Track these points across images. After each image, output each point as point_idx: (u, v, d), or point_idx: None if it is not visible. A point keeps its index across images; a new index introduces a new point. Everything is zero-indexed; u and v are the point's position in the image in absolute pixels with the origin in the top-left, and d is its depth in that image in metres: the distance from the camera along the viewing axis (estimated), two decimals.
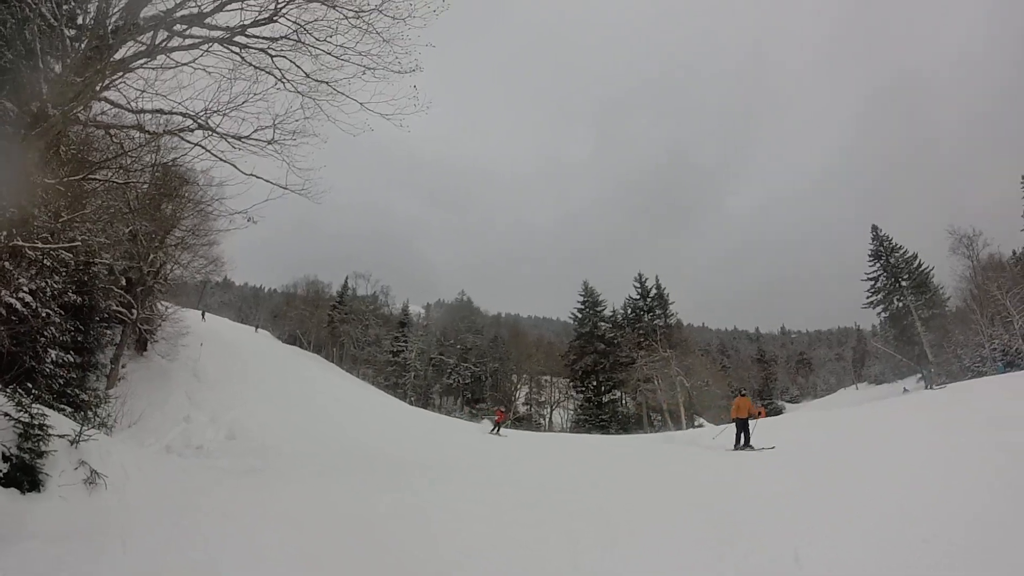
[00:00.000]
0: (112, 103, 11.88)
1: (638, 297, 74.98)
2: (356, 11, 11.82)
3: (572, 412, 70.66)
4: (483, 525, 10.42)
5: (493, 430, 29.77)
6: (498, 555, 8.93)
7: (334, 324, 69.50)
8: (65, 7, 11.27)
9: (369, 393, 45.80)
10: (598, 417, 65.72)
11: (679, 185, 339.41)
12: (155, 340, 28.81)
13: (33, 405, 9.50)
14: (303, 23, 11.90)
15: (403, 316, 74.94)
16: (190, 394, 23.78)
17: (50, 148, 11.05)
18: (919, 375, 58.09)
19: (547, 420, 70.85)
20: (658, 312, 73.60)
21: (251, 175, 12.38)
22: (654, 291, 74.70)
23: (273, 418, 22.72)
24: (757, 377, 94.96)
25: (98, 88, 11.00)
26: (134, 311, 25.80)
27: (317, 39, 12.04)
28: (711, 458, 17.65)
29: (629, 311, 75.02)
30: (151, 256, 26.84)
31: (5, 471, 8.40)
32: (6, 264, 13.58)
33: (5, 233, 9.59)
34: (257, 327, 56.09)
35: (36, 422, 9.13)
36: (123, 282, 25.86)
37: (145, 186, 21.23)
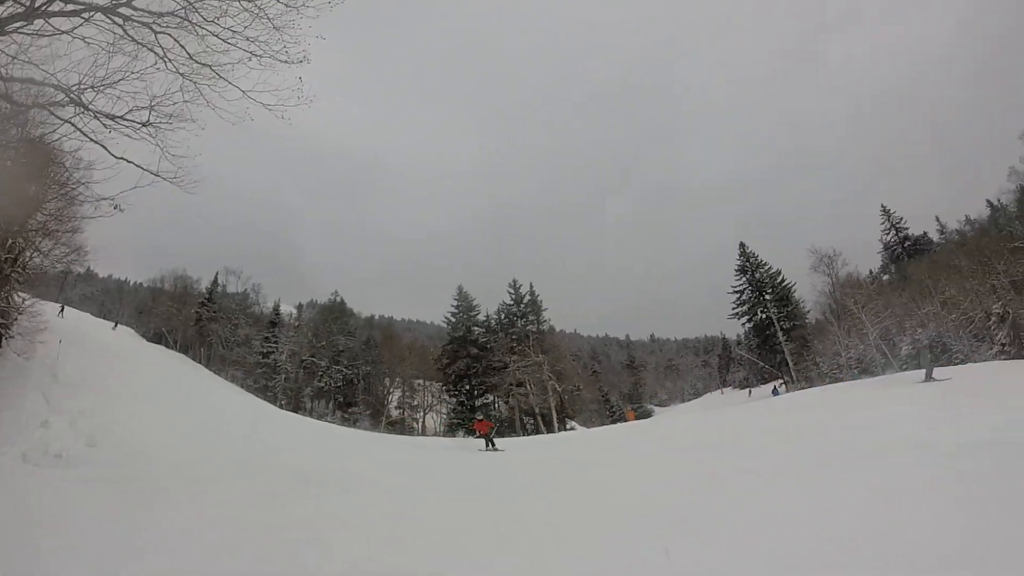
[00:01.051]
0: None
1: (512, 303, 75.80)
2: None
3: (445, 416, 70.44)
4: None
5: (487, 447, 24.31)
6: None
7: (202, 322, 65.82)
8: None
9: (238, 397, 43.84)
10: (471, 420, 65.83)
11: (563, 193, 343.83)
12: (10, 335, 26.11)
13: None
14: (193, 0, 11.34)
15: (274, 316, 71.75)
16: (48, 396, 21.83)
17: None
18: (780, 380, 63.09)
19: (420, 424, 70.30)
20: (531, 318, 74.70)
21: (121, 158, 11.72)
22: (528, 297, 75.73)
23: (139, 424, 21.15)
24: (627, 382, 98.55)
25: None
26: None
27: (205, 19, 11.50)
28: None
29: (503, 316, 75.67)
30: (9, 241, 24.65)
31: None
32: None
33: None
34: (116, 324, 51.68)
35: None
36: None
37: (8, 163, 19.53)
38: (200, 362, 59.20)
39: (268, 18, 11.52)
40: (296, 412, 53.27)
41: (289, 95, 11.77)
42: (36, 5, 10.37)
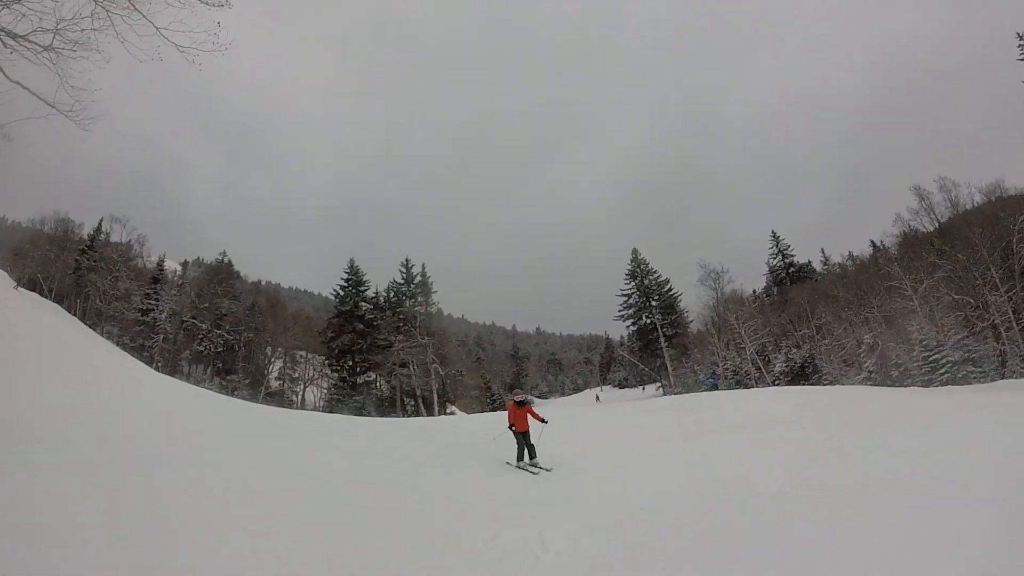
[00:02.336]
0: None
1: (403, 282, 75.27)
2: None
3: (326, 391, 69.62)
4: None
5: (523, 459, 15.90)
6: None
7: (81, 271, 61.39)
8: None
9: (113, 357, 41.66)
10: (352, 398, 65.26)
11: (477, 165, 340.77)
12: None
13: None
14: None
15: (157, 271, 67.35)
16: None
17: None
18: (657, 384, 66.27)
19: (300, 398, 69.16)
20: (420, 299, 74.61)
21: (16, 83, 10.97)
22: (419, 278, 75.49)
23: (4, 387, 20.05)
24: (510, 371, 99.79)
25: None
26: None
27: None
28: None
29: (392, 295, 75.02)
30: None
31: None
32: None
33: None
34: (17, 285, 45.57)
35: None
36: None
37: None
38: (75, 315, 55.87)
39: None
40: (172, 376, 50.79)
41: (205, 39, 11.34)
42: None
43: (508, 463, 15.84)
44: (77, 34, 10.94)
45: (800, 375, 52.06)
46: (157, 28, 11.13)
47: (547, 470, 15.02)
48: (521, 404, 16.26)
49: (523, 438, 15.87)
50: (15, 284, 49.09)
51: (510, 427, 16.08)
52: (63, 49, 10.92)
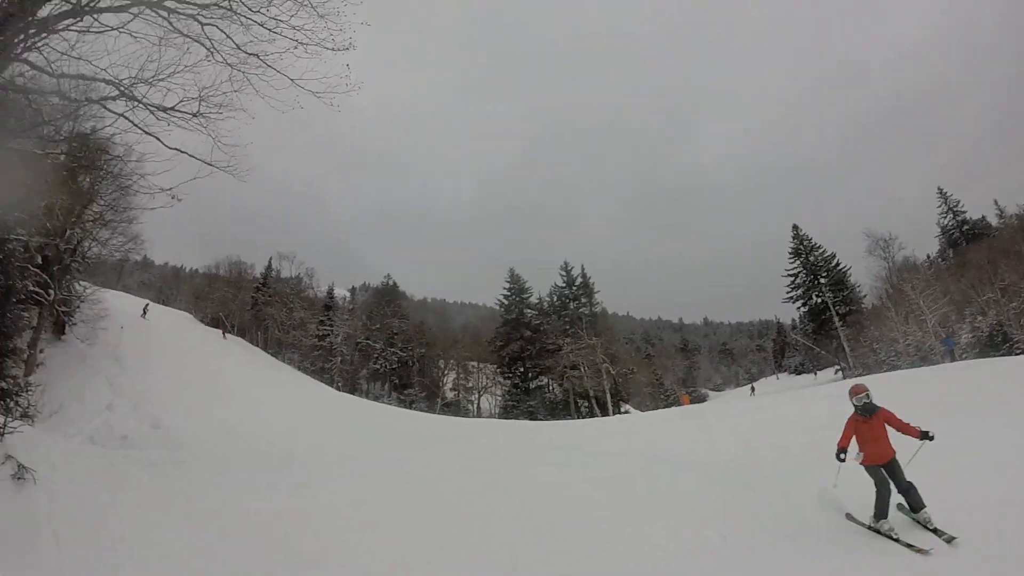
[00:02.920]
0: (32, 65, 11.13)
1: (564, 285, 75.29)
2: None
3: (500, 398, 70.55)
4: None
5: None
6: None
7: (258, 307, 67.12)
8: None
9: (293, 380, 44.41)
10: (526, 403, 65.67)
11: (614, 160, 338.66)
12: (73, 323, 27.18)
13: None
14: None
15: (328, 299, 72.65)
16: (111, 380, 22.64)
17: None
18: (836, 367, 61.11)
19: (475, 406, 70.64)
20: (583, 300, 74.18)
21: (176, 149, 12.02)
22: (580, 280, 75.12)
23: (198, 408, 21.81)
24: (681, 366, 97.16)
25: (18, 49, 10.45)
26: (51, 291, 24.41)
27: (250, 8, 11.66)
28: None
29: (555, 299, 75.18)
30: (68, 232, 25.39)
31: None
32: None
33: None
34: (146, 308, 48.56)
35: None
36: (39, 260, 24.34)
37: (63, 157, 19.99)
38: (257, 345, 60.21)
39: (312, 6, 11.73)
40: (352, 393, 53.92)
41: (337, 82, 12.04)
42: (84, 3, 10.62)
43: (854, 519, 8.92)
44: (220, 97, 11.87)
45: (988, 346, 45.86)
46: (292, 80, 12.00)
47: (948, 538, 7.52)
48: (869, 411, 8.64)
49: (887, 474, 8.45)
50: (223, 333, 53.81)
51: (840, 456, 8.70)
52: (210, 114, 11.83)
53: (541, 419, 52.70)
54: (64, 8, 10.54)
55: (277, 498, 11.51)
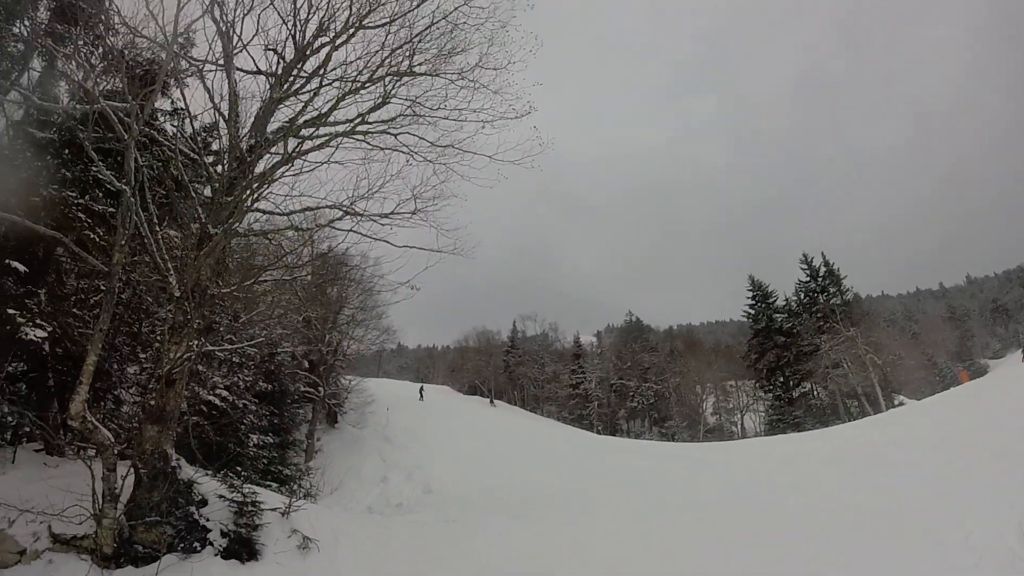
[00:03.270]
0: (264, 211, 13.26)
1: (808, 279, 70.52)
2: (458, 73, 12.91)
3: (763, 414, 68.04)
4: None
5: None
6: None
7: (510, 368, 71.39)
8: (199, 138, 12.82)
9: (555, 430, 46.06)
10: (791, 415, 62.57)
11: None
12: (344, 412, 31.18)
13: (244, 486, 10.80)
14: (413, 98, 13.06)
15: (576, 348, 75.36)
16: (384, 456, 25.38)
17: (219, 262, 12.48)
18: None
19: (739, 427, 68.76)
20: (832, 291, 69.07)
21: (405, 246, 13.21)
22: (823, 269, 69.80)
23: (464, 470, 23.58)
24: (951, 338, 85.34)
25: (248, 203, 12.35)
26: (320, 389, 28.25)
27: (431, 108, 13.07)
28: None
29: (802, 296, 70.71)
30: (327, 337, 29.28)
31: (224, 545, 9.79)
32: (200, 368, 15.31)
33: (196, 342, 10.97)
34: (421, 391, 51.42)
35: (248, 499, 10.48)
36: (306, 365, 28.34)
37: (308, 277, 23.11)
38: (515, 404, 63.52)
39: (484, 86, 12.96)
40: (613, 435, 54.79)
41: (531, 146, 12.86)
42: (291, 151, 12.54)
43: None
44: (431, 191, 13.13)
45: None
46: (490, 157, 13.01)
47: None
48: None
49: None
50: (490, 401, 57.64)
51: None
52: (427, 208, 13.12)
53: (806, 429, 50.13)
54: (275, 160, 12.53)
55: (535, 539, 12.71)
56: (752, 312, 72.28)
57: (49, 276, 13.25)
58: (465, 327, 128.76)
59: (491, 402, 55.92)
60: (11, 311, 11.52)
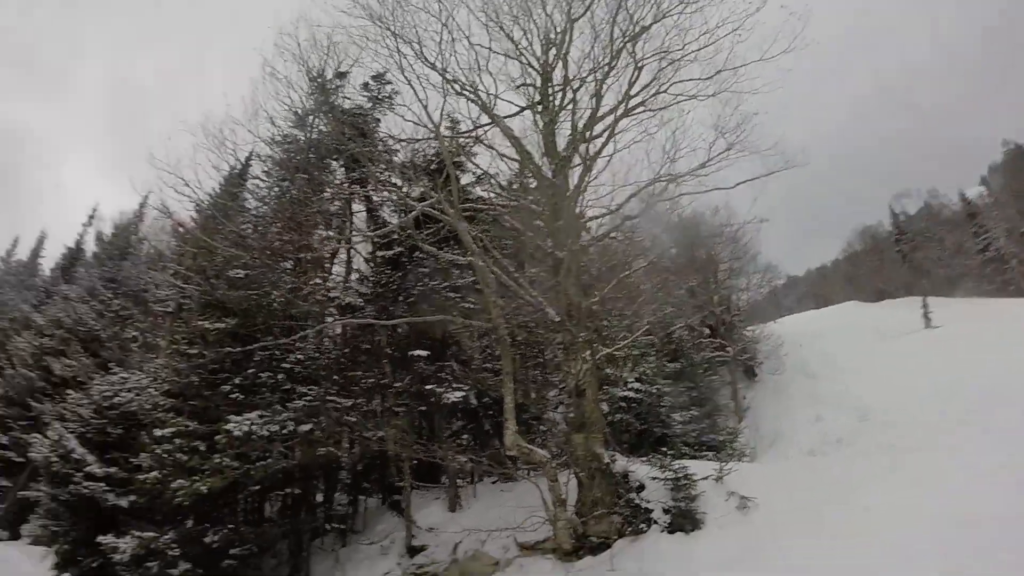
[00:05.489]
0: (594, 217, 14.77)
1: None
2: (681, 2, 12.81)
3: None
4: None
5: None
6: None
7: (906, 257, 54.18)
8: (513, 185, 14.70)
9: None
10: None
11: None
12: (759, 363, 30.97)
13: (673, 463, 11.48)
14: (658, 50, 13.26)
15: (966, 206, 57.45)
16: (811, 394, 24.59)
17: (578, 277, 13.53)
18: None
19: None
20: None
21: (736, 184, 13.57)
22: None
23: (899, 389, 21.39)
24: None
25: (579, 219, 13.88)
26: (728, 349, 28.58)
27: (680, 49, 13.21)
28: None
29: None
30: (714, 298, 29.65)
31: (668, 521, 10.72)
32: (607, 371, 16.60)
33: (588, 352, 12.23)
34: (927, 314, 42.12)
35: (680, 475, 11.17)
36: (706, 332, 28.97)
37: (673, 250, 23.67)
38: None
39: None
40: None
41: (789, 26, 12.47)
42: (587, 157, 13.69)
43: None
44: (730, 122, 13.26)
45: None
46: (760, 60, 12.80)
47: None
48: None
49: None
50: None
51: None
52: (736, 141, 13.24)
53: None
54: (577, 171, 13.75)
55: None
56: None
57: (450, 349, 15.78)
58: (844, 231, 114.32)
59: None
60: (428, 386, 14.17)
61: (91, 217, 38.81)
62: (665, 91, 13.33)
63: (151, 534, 13.10)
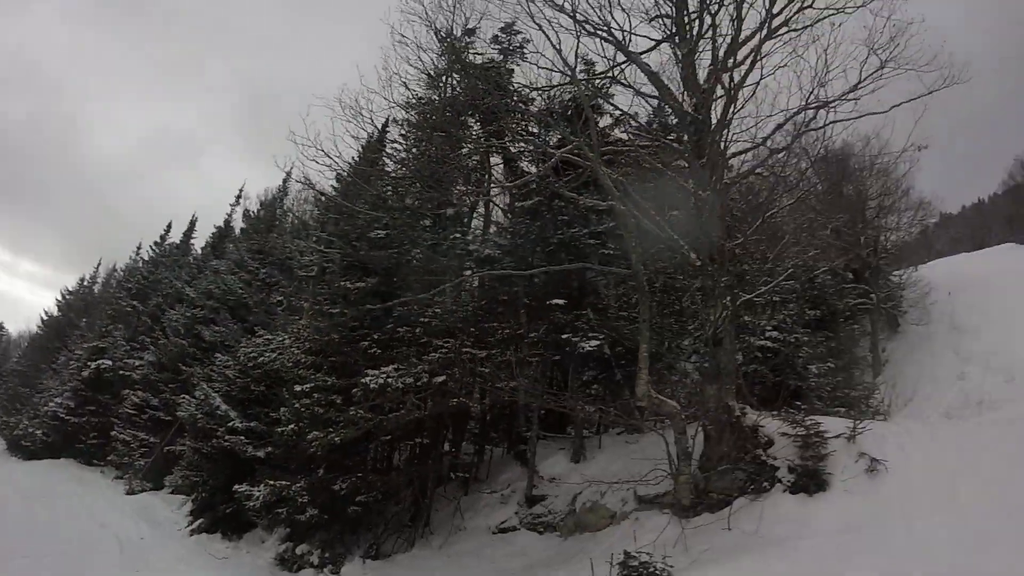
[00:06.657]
0: (738, 153, 14.55)
1: None
2: None
3: None
4: None
5: None
6: None
7: None
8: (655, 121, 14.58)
9: None
10: None
11: None
12: (903, 312, 29.24)
13: (805, 419, 11.37)
14: None
15: None
16: (956, 349, 23.39)
17: (721, 219, 13.08)
18: None
19: None
20: None
21: (891, 108, 12.94)
22: None
23: None
24: None
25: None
26: (872, 296, 27.25)
27: None
28: None
29: None
30: (861, 239, 28.52)
31: (792, 480, 10.58)
32: (746, 318, 16.27)
33: (728, 298, 12.39)
34: None
35: (811, 431, 10.96)
36: (849, 276, 27.72)
37: (819, 187, 23.33)
38: None
39: None
40: None
41: None
42: (730, 86, 13.10)
43: None
44: (882, 36, 12.39)
45: None
46: None
47: None
48: None
49: None
50: None
51: None
52: (891, 58, 12.44)
53: None
54: (721, 103, 13.26)
55: None
56: None
57: (587, 297, 16.14)
58: (1004, 160, 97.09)
59: None
60: (563, 335, 14.78)
61: (238, 197, 41.54)
62: (810, 5, 12.30)
63: (284, 482, 14.67)
